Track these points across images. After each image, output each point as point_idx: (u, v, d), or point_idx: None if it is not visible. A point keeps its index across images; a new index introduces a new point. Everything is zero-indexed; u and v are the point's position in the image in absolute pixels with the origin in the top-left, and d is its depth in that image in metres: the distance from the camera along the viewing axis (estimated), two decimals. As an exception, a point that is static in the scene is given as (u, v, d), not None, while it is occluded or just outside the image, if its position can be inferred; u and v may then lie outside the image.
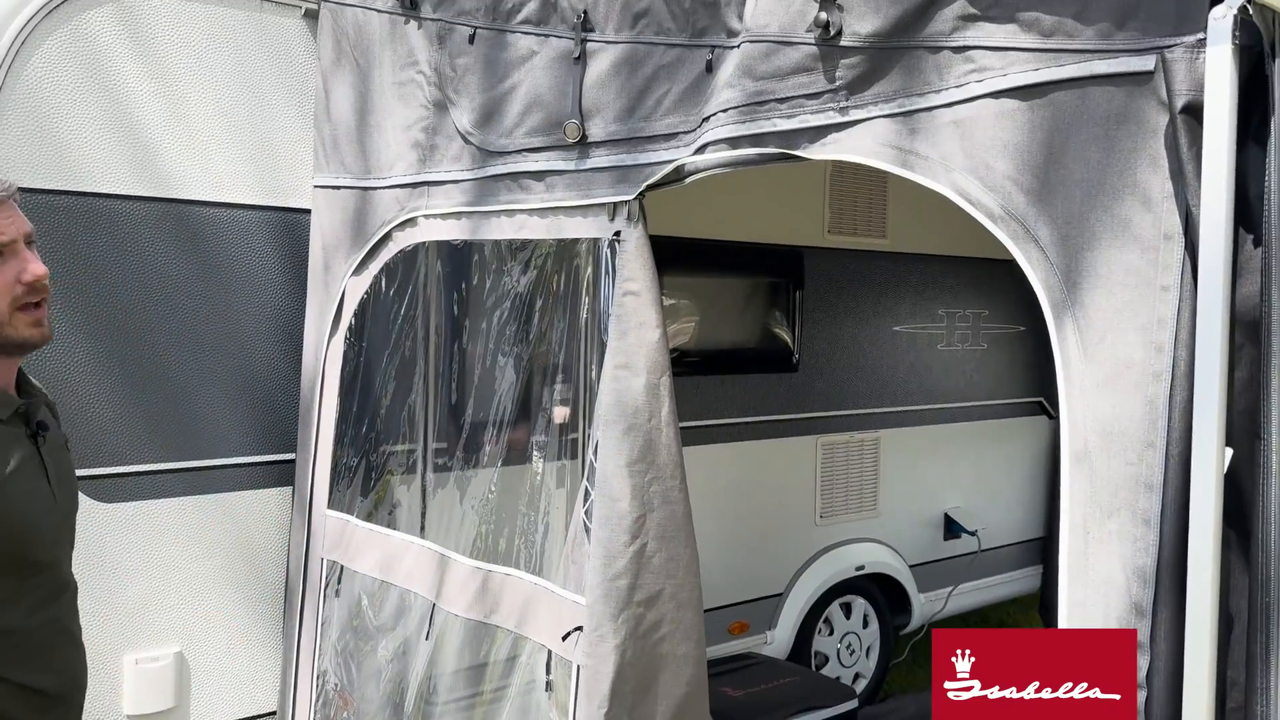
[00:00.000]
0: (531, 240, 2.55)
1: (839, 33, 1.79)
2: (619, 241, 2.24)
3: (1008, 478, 5.78)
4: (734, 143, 1.99)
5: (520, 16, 2.47)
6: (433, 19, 2.72)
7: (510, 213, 2.54)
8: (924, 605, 5.18)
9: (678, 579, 2.21)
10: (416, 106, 2.78)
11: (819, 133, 1.88)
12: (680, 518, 2.23)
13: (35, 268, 1.76)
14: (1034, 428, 5.94)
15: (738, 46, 1.97)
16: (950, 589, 5.30)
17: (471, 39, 2.61)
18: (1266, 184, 1.34)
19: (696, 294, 4.34)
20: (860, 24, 1.78)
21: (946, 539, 5.35)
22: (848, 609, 4.90)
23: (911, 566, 5.13)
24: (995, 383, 5.71)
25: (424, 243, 2.83)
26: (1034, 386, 5.93)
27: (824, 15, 1.79)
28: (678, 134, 2.17)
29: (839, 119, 1.84)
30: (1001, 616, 6.06)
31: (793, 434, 4.59)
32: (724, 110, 1.99)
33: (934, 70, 1.72)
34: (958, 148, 1.70)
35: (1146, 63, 1.48)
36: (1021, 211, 1.62)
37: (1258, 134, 1.36)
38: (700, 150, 2.05)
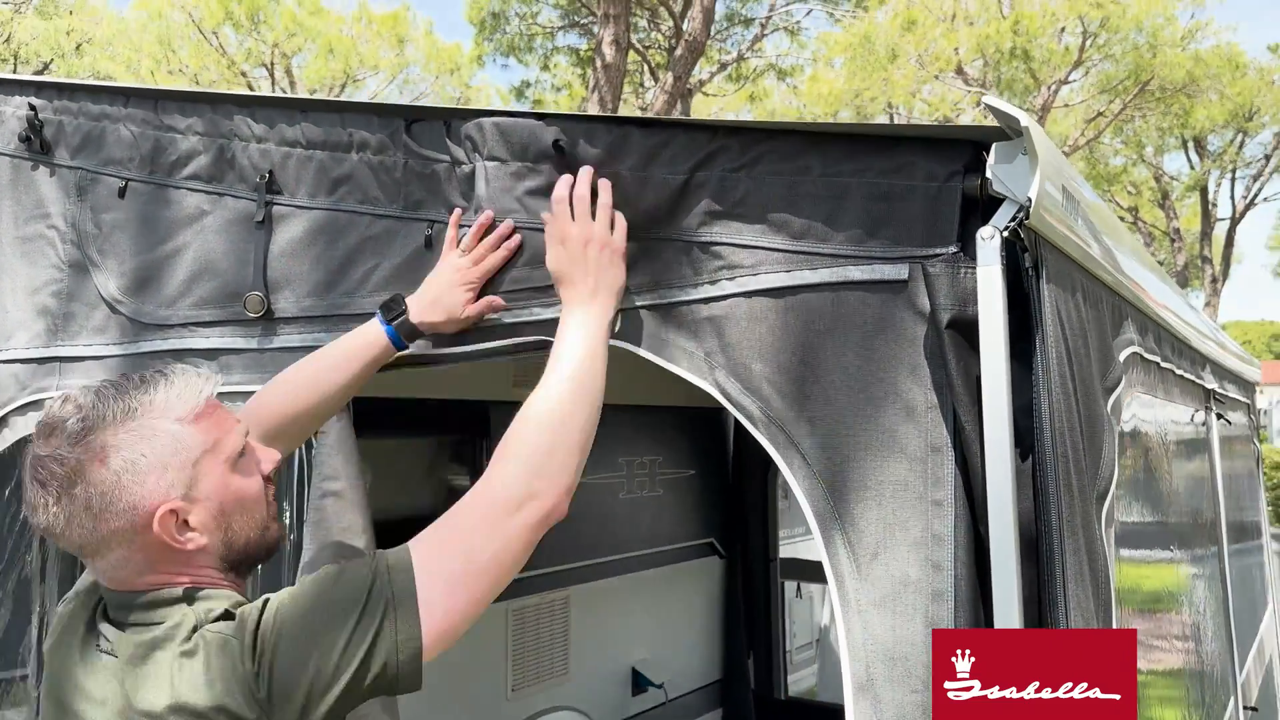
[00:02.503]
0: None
1: None
2: (315, 434, 1.92)
3: (688, 623, 5.79)
4: (485, 333, 1.79)
5: (187, 171, 2.12)
6: (70, 166, 2.29)
7: (172, 397, 2.12)
8: (616, 769, 4.98)
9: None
10: (46, 267, 2.31)
11: None
12: (394, 759, 1.89)
13: (270, 452, 1.46)
14: (708, 569, 6.03)
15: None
16: (642, 746, 5.15)
17: (122, 192, 2.21)
18: (1036, 402, 1.33)
19: (375, 459, 3.97)
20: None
21: (635, 694, 5.22)
22: (542, 788, 4.58)
23: (603, 729, 4.93)
24: (672, 528, 5.75)
25: (54, 430, 2.31)
26: (704, 528, 6.06)
27: None
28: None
29: None
30: (688, 765, 5.98)
31: (482, 603, 4.29)
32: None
33: (688, 264, 1.62)
34: (717, 345, 1.60)
35: (901, 271, 1.46)
36: (781, 417, 1.53)
37: (1017, 348, 1.36)
38: None
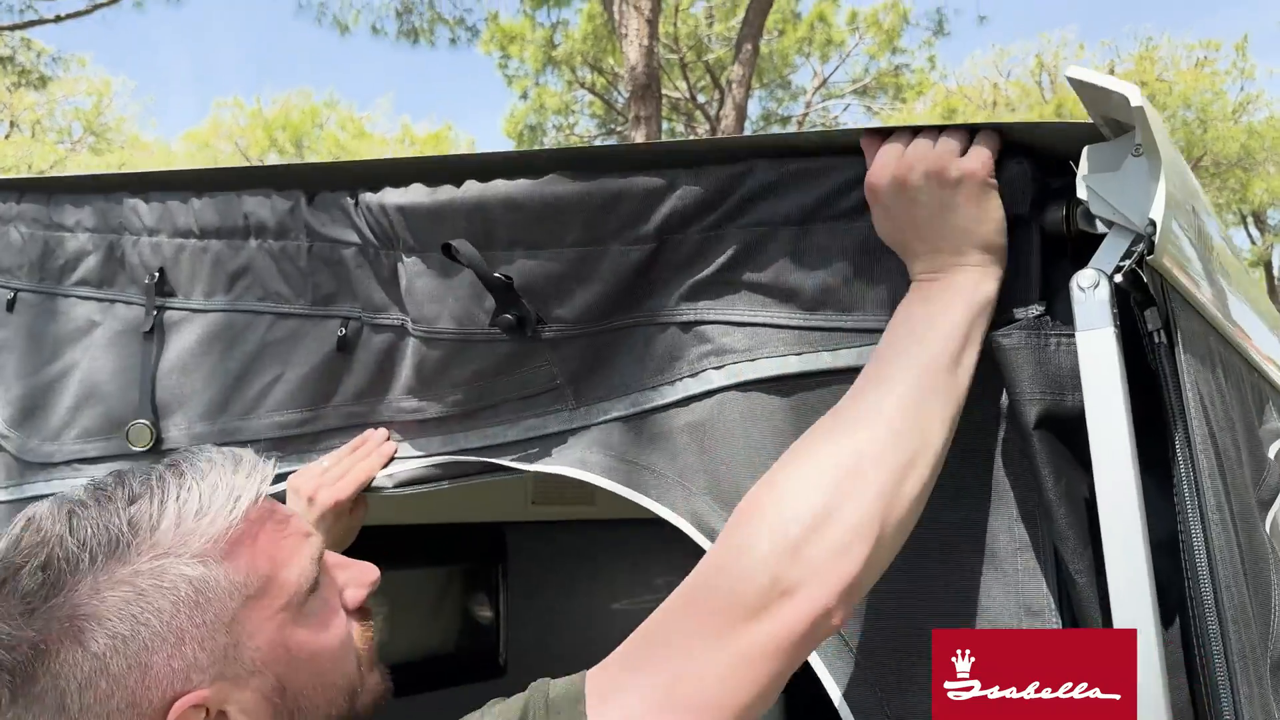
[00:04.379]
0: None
1: (536, 325, 1.22)
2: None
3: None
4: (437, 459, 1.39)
5: (76, 275, 1.75)
6: (-43, 281, 1.94)
7: (55, 552, 1.72)
8: None
9: None
10: (-72, 399, 1.94)
11: (555, 441, 1.30)
12: None
13: (361, 570, 1.00)
14: (767, 699, 5.43)
15: (413, 335, 1.36)
16: None
17: (11, 305, 1.85)
18: (1185, 536, 0.85)
19: (380, 592, 3.51)
20: (558, 307, 1.22)
21: None
22: None
23: None
24: (723, 655, 5.18)
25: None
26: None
27: (509, 316, 1.20)
28: (299, 436, 1.51)
29: (572, 423, 1.28)
30: None
31: (501, 760, 3.75)
32: (413, 423, 1.39)
33: (664, 353, 1.18)
34: (696, 460, 1.15)
35: (958, 347, 1.00)
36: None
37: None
38: None
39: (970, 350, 0.91)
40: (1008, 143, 0.95)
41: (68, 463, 1.71)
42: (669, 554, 4.66)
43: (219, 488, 0.87)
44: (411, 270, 1.31)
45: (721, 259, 1.13)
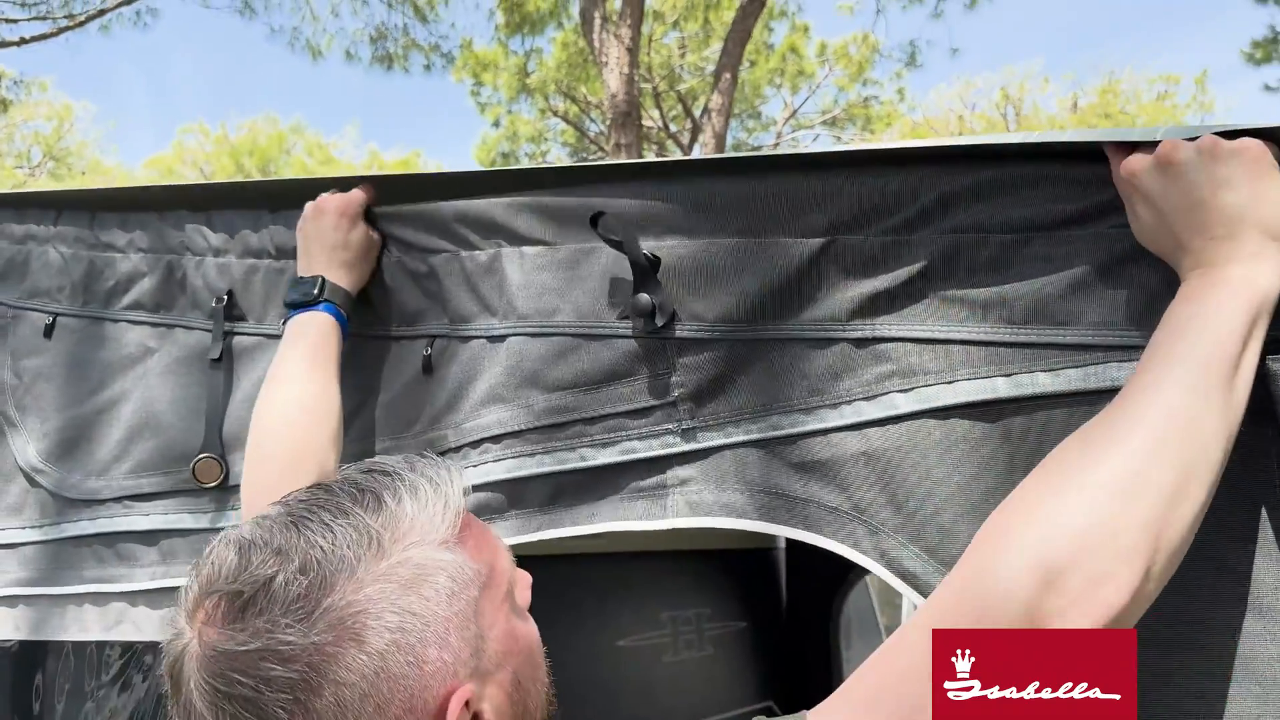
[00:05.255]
0: (137, 644, 1.59)
1: (670, 319, 1.11)
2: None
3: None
4: (516, 486, 1.25)
5: (128, 299, 1.62)
6: (-11, 301, 1.80)
7: (101, 598, 1.57)
8: None
9: None
10: (-48, 431, 1.79)
11: (653, 468, 1.17)
12: None
13: (524, 574, 0.92)
14: (771, 738, 5.29)
15: (502, 339, 1.24)
16: None
17: (49, 330, 1.71)
18: None
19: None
20: (701, 303, 1.11)
21: None
22: None
23: None
24: (726, 693, 5.02)
25: (-46, 648, 1.75)
26: (761, 690, 5.33)
27: (646, 297, 1.10)
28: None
29: (682, 446, 1.15)
30: None
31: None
32: (493, 438, 1.24)
33: (824, 371, 1.07)
34: (881, 495, 1.03)
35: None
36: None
37: None
38: None
39: (1250, 354, 0.81)
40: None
41: (118, 499, 1.57)
42: (676, 588, 4.52)
43: (435, 479, 0.84)
44: (532, 263, 1.20)
45: (911, 268, 1.03)
